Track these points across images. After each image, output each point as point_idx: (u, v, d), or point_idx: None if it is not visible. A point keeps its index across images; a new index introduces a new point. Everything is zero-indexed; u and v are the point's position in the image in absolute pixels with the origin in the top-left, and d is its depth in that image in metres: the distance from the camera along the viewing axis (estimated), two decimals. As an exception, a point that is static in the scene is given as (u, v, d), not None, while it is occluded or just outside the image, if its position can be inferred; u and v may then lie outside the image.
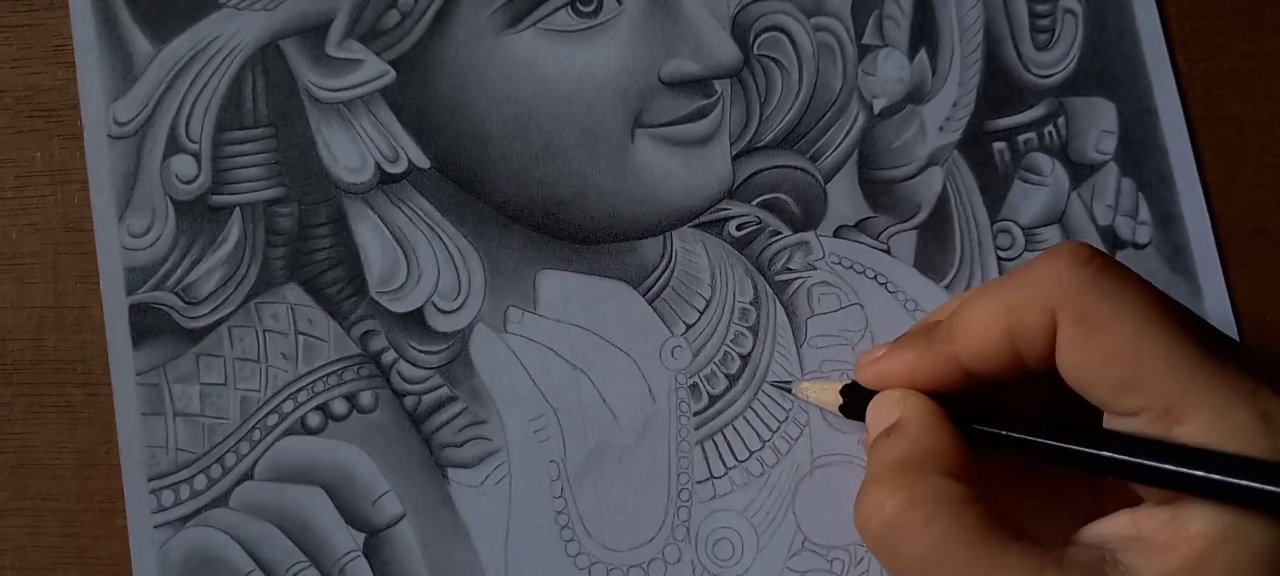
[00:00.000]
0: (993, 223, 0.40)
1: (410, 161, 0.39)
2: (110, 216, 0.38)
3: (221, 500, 0.36)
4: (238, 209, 0.38)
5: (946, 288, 0.39)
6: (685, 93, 0.40)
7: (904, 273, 0.39)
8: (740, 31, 0.40)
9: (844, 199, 0.40)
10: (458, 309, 0.38)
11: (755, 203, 0.39)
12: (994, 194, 0.40)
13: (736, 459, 0.37)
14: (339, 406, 0.37)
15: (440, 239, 0.38)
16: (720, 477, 0.37)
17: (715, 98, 0.40)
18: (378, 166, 0.39)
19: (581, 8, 0.39)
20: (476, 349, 0.38)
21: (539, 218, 0.39)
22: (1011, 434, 0.30)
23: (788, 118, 0.40)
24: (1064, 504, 0.32)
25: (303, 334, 0.38)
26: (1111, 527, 0.28)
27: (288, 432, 0.37)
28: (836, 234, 0.39)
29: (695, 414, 0.38)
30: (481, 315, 0.38)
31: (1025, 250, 0.40)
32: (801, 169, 0.40)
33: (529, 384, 0.38)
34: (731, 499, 0.37)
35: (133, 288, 0.38)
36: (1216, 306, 0.39)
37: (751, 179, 0.39)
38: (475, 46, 0.39)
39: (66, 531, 0.37)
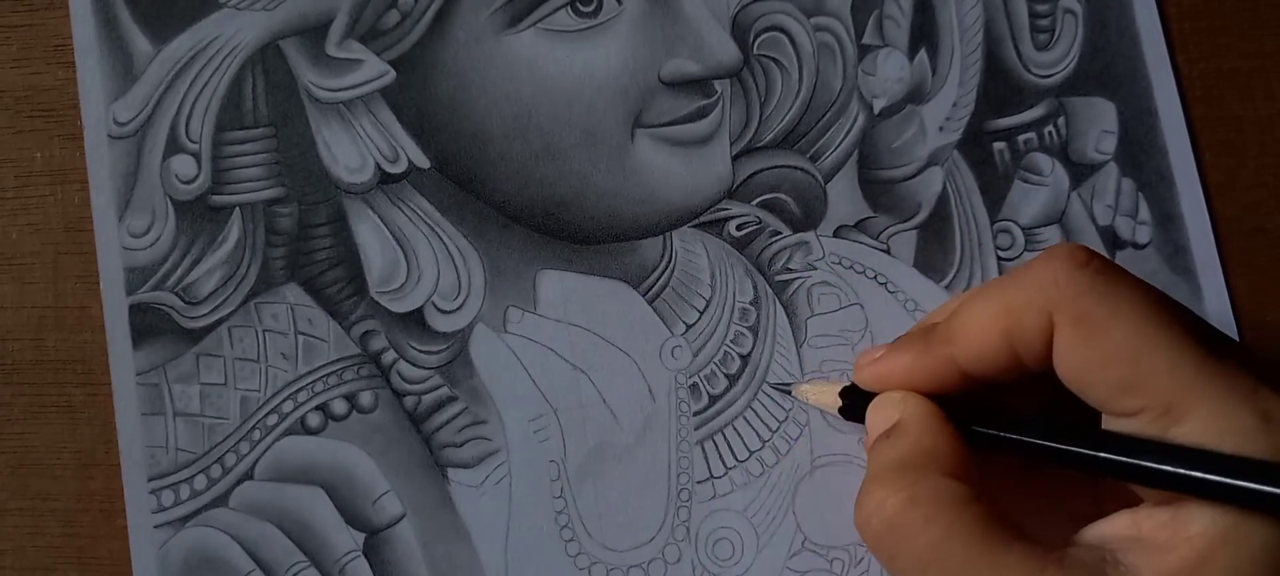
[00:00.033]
0: (993, 223, 0.40)
1: (410, 161, 0.39)
2: (110, 216, 0.38)
3: (221, 500, 0.36)
4: (238, 209, 0.38)
5: (946, 288, 0.39)
6: (685, 93, 0.40)
7: (904, 273, 0.39)
8: (740, 31, 0.40)
9: (844, 199, 0.40)
10: (458, 309, 0.38)
11: (755, 203, 0.39)
12: (994, 194, 0.40)
13: (736, 459, 0.37)
14: (339, 406, 0.37)
15: (440, 239, 0.38)
16: (720, 477, 0.37)
17: (715, 98, 0.40)
18: (378, 166, 0.39)
19: (581, 8, 0.39)
20: (476, 349, 0.38)
21: (539, 218, 0.39)
22: (1011, 435, 0.30)
23: (788, 118, 0.40)
24: (1064, 504, 0.32)
25: (303, 334, 0.38)
26: (1112, 528, 0.28)
27: (288, 432, 0.37)
28: (836, 234, 0.39)
29: (695, 414, 0.38)
30: (481, 315, 0.38)
31: (1025, 250, 0.40)
32: (801, 169, 0.40)
33: (529, 384, 0.37)
34: (731, 499, 0.37)
35: (133, 287, 0.38)
36: (1216, 306, 0.39)
37: (751, 179, 0.39)
38: (475, 46, 0.39)
39: (66, 531, 0.37)
